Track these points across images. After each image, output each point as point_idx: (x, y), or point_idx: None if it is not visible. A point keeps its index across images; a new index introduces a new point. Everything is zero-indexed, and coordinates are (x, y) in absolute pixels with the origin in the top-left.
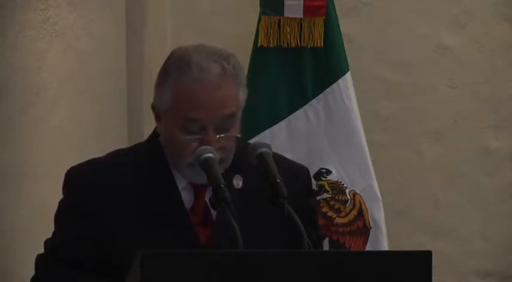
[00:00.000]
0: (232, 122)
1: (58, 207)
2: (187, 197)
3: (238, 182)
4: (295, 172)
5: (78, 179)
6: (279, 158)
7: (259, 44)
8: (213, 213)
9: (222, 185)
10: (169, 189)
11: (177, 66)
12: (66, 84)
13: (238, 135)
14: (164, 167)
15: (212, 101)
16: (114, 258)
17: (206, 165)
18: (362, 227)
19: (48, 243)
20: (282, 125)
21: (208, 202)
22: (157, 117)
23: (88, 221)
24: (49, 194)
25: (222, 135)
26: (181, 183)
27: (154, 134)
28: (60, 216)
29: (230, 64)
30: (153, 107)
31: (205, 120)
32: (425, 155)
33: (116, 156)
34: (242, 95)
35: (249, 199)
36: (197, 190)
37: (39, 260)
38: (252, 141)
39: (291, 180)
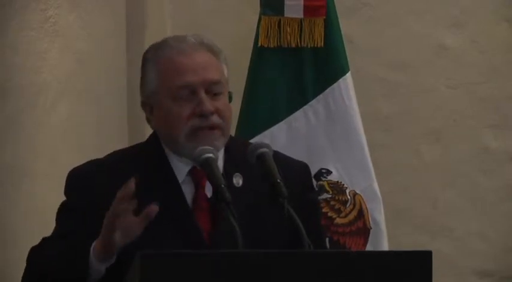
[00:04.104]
0: (221, 89)
1: (59, 208)
2: (187, 191)
3: (238, 180)
4: (294, 169)
5: (79, 181)
6: (278, 156)
7: (259, 44)
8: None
9: (223, 185)
10: (172, 190)
11: (153, 49)
12: (66, 84)
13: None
14: (164, 163)
15: (195, 63)
16: (118, 257)
17: (206, 165)
18: (362, 227)
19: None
20: (282, 125)
21: (208, 197)
22: (150, 111)
23: (90, 221)
24: (49, 194)
25: (215, 97)
26: (180, 178)
27: (154, 135)
28: (61, 215)
29: (210, 41)
30: (143, 104)
31: (194, 83)
32: (424, 155)
33: (116, 157)
34: (224, 68)
35: (249, 198)
36: (196, 177)
37: (30, 250)
38: (252, 141)
39: (290, 178)
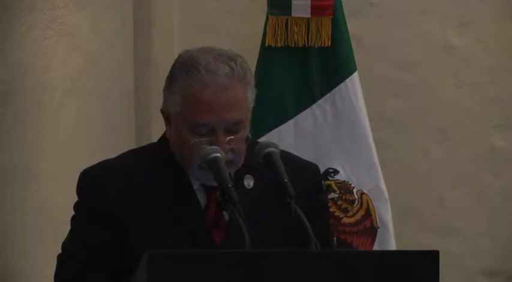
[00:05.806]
0: (242, 124)
1: (75, 211)
2: (200, 199)
3: (249, 182)
4: (304, 170)
5: (92, 183)
6: (288, 156)
7: (266, 44)
8: (225, 214)
9: (229, 185)
10: (184, 191)
11: (184, 70)
12: (73, 84)
13: (249, 135)
14: (178, 168)
15: (221, 104)
16: (131, 259)
17: (213, 165)
18: (369, 227)
19: (67, 247)
20: (289, 124)
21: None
22: (167, 120)
23: (105, 224)
24: (56, 194)
25: (232, 137)
26: (194, 185)
27: (165, 136)
28: (78, 220)
29: (238, 64)
30: (162, 111)
31: (215, 123)
32: (431, 154)
33: (128, 158)
34: (250, 95)
35: (260, 198)
36: (209, 191)
37: (62, 262)
38: (260, 140)
39: (300, 178)
